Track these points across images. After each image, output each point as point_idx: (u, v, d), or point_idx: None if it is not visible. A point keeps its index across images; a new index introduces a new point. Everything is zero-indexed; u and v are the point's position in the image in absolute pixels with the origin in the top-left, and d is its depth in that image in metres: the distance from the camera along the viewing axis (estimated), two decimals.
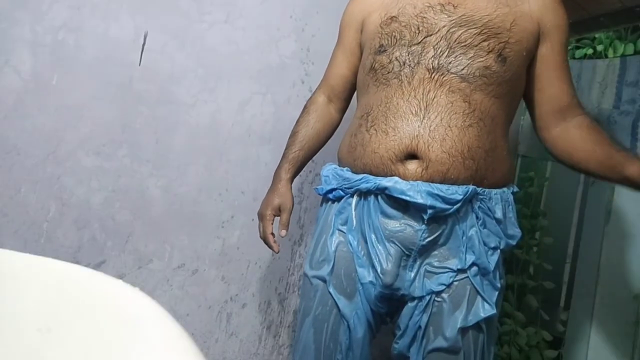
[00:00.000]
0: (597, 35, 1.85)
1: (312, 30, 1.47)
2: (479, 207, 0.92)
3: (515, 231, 0.96)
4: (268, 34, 1.40)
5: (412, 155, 0.91)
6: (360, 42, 1.11)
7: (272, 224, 1.08)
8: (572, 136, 0.99)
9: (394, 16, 1.00)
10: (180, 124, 1.29)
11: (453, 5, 0.97)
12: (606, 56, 1.83)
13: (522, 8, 0.99)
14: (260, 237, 1.10)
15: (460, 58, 0.93)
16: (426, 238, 0.90)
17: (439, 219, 0.90)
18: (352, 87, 1.17)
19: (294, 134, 1.15)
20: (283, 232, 1.07)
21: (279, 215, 1.09)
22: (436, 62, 0.93)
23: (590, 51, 1.88)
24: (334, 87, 1.17)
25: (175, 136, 1.29)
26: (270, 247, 1.08)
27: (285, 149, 1.15)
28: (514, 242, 0.96)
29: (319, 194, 1.06)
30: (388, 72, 0.98)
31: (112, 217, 1.22)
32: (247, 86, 1.38)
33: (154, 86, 1.25)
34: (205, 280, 1.36)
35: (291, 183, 1.12)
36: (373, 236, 0.94)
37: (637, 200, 1.66)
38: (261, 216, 1.10)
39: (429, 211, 0.88)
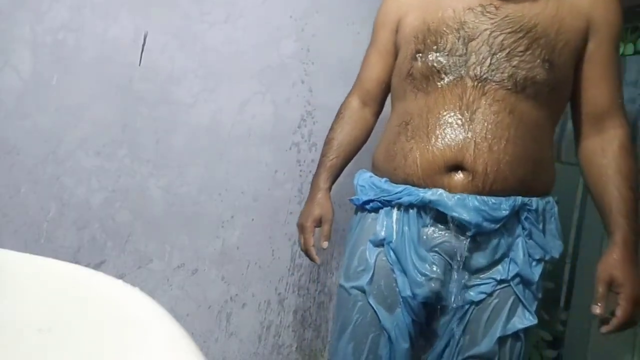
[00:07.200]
0: None
1: (312, 30, 1.47)
2: (526, 217, 0.89)
3: (556, 243, 0.93)
4: (268, 34, 1.40)
5: (457, 167, 0.88)
6: (396, 42, 1.05)
7: (313, 235, 1.06)
8: (596, 162, 0.93)
9: (432, 20, 0.94)
10: (180, 124, 1.29)
11: (495, 6, 0.90)
12: None
13: (571, 2, 0.91)
14: (301, 249, 1.08)
15: (504, 66, 0.87)
16: (471, 249, 0.89)
17: (485, 231, 0.88)
18: (387, 89, 1.11)
19: (329, 140, 1.11)
20: (325, 244, 1.05)
21: (319, 226, 1.07)
22: (478, 69, 0.88)
23: None
24: (370, 90, 1.11)
25: (175, 136, 1.29)
26: (312, 259, 1.06)
27: (322, 157, 1.11)
28: (556, 255, 0.93)
29: (355, 205, 1.03)
30: (428, 81, 0.93)
31: (112, 217, 1.22)
32: (247, 86, 1.38)
33: (154, 86, 1.25)
34: (205, 280, 1.36)
35: (330, 192, 1.10)
36: (414, 248, 0.91)
37: None
38: (302, 228, 1.07)
39: (472, 230, 0.86)
